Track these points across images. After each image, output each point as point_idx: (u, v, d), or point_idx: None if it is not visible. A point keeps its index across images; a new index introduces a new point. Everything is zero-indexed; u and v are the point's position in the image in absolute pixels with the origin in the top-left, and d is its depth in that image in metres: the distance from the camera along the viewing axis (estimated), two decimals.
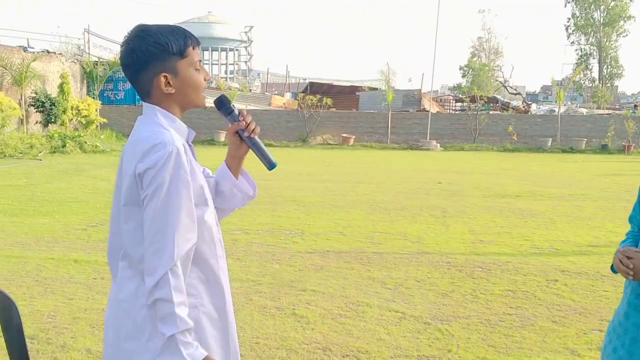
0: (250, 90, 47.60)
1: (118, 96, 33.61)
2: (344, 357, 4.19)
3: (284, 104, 40.38)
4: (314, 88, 39.86)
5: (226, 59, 73.26)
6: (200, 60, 2.07)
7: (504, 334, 4.69)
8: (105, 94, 31.71)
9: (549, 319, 5.04)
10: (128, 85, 33.88)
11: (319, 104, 30.61)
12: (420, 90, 39.25)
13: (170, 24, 2.07)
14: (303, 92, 37.42)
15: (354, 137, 30.50)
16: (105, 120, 27.26)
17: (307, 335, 4.58)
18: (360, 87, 45.87)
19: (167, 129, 1.96)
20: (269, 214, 9.63)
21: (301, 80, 57.89)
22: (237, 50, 74.40)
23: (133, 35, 2.01)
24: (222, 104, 2.21)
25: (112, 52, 33.65)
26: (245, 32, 73.54)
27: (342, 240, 8.07)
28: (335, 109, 33.36)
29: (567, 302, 5.49)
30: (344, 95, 39.69)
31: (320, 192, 12.80)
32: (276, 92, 50.82)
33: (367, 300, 5.46)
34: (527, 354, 4.27)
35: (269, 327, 4.74)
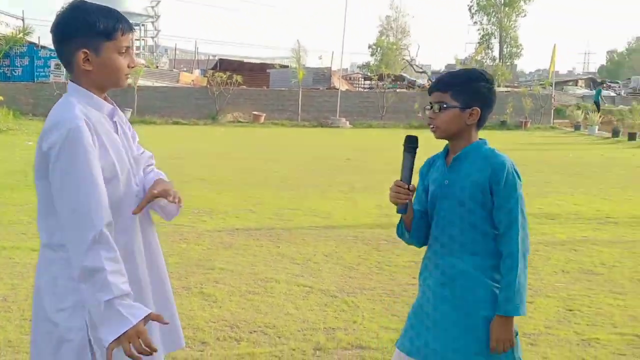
0: (158, 66, 46.26)
1: (15, 72, 31.81)
2: (251, 332, 4.21)
3: (193, 81, 39.55)
4: (224, 65, 39.25)
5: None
6: (129, 47, 2.11)
7: (407, 303, 4.85)
8: (0, 70, 29.93)
9: None
10: (26, 61, 32.14)
11: (229, 81, 30.20)
12: (331, 68, 39.49)
13: (110, 7, 2.13)
14: (213, 69, 36.78)
15: (264, 115, 30.36)
16: (1, 97, 25.77)
17: (214, 313, 4.57)
18: (271, 64, 45.60)
19: (76, 105, 2.00)
20: None
21: (211, 57, 56.82)
22: (143, 25, 71.93)
23: (67, 7, 2.08)
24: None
25: (9, 26, 31.74)
26: (152, 7, 71.22)
27: (251, 218, 8.06)
28: (245, 86, 33.05)
29: None
30: (254, 73, 39.36)
31: (230, 170, 12.69)
32: (185, 69, 49.65)
33: (276, 276, 5.50)
34: None
35: (176, 307, 4.68)
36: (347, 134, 25.53)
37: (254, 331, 4.23)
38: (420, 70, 55.41)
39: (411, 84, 41.44)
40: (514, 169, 2.33)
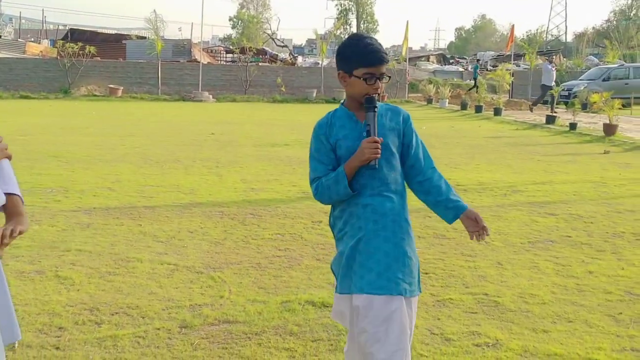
0: (1, 36, 42.62)
1: None
2: (112, 314, 4.05)
3: (41, 52, 36.88)
4: (75, 35, 36.94)
5: None
6: None
7: (273, 275, 4.91)
8: None
9: (314, 257, 5.39)
10: None
11: (81, 52, 28.51)
12: (191, 40, 38.53)
13: None
14: (63, 39, 34.47)
15: (122, 88, 29.03)
16: None
17: (72, 296, 4.34)
18: (127, 35, 43.57)
19: None
20: (26, 172, 8.82)
21: (60, 27, 53.22)
22: None
23: None
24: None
25: None
26: None
27: (110, 196, 7.72)
28: (100, 58, 31.35)
29: (330, 240, 5.88)
30: (109, 44, 37.47)
31: (85, 147, 12.04)
32: (32, 39, 46.11)
33: (138, 256, 5.32)
34: (294, 292, 4.53)
35: (28, 292, 4.40)
36: (210, 108, 25.10)
37: (116, 313, 4.08)
38: (282, 44, 55.54)
39: (273, 58, 41.46)
40: None
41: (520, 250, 5.74)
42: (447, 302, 4.42)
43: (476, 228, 2.71)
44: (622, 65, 29.29)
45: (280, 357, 3.51)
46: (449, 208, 2.73)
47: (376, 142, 2.52)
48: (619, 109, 16.14)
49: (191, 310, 4.16)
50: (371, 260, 2.57)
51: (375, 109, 2.57)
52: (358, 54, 2.58)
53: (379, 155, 2.53)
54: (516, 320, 4.11)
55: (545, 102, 25.09)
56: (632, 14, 66.53)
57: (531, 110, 23.49)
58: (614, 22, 65.22)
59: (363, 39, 2.64)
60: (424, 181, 2.72)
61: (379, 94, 2.63)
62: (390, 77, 2.68)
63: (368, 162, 2.54)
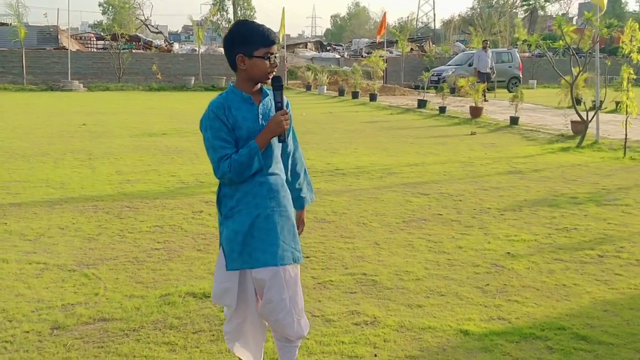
0: None
1: None
2: None
3: None
4: None
5: None
6: None
7: (152, 268, 4.79)
8: None
9: (195, 248, 5.30)
10: None
11: None
12: (58, 26, 36.38)
13: None
14: None
15: None
16: None
17: None
18: None
19: None
20: None
21: None
22: None
23: None
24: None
25: None
26: None
27: None
28: None
29: (211, 230, 5.83)
30: None
31: None
32: None
33: (4, 256, 4.99)
34: (174, 284, 4.44)
35: None
36: (81, 97, 23.89)
37: None
38: (157, 30, 53.84)
39: (148, 45, 40.09)
40: None
41: (395, 230, 5.97)
42: (327, 284, 4.52)
43: (298, 224, 3.05)
44: None
45: (160, 352, 3.43)
46: (299, 197, 3.06)
47: (285, 113, 2.76)
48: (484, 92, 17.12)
49: (63, 310, 3.96)
50: (271, 234, 2.77)
51: (282, 87, 2.80)
52: (259, 35, 2.72)
53: (288, 126, 2.78)
54: (393, 297, 4.28)
55: (417, 87, 26.14)
56: (494, 2, 70.62)
57: (485, 100, 20.58)
58: (478, 9, 68.96)
59: (254, 22, 2.81)
60: (290, 165, 3.00)
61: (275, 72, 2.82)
62: (281, 56, 2.86)
63: (279, 135, 2.76)
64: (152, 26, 56.08)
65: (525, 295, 4.29)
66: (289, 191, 2.92)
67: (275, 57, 2.76)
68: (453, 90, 22.63)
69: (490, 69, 23.00)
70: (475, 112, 16.18)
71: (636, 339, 3.60)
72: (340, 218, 6.41)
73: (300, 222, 3.10)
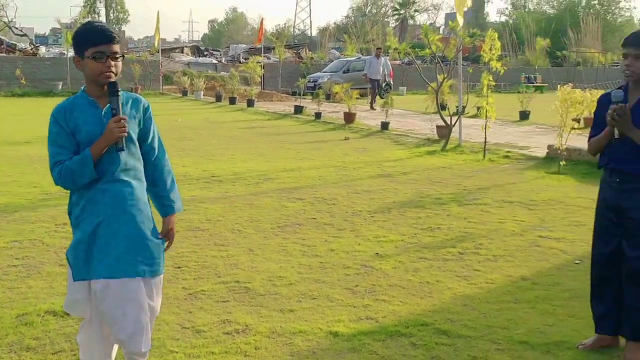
0: None
1: None
2: None
3: None
4: None
5: None
6: None
7: (8, 287, 4.48)
8: None
9: (57, 263, 5.03)
10: None
11: None
12: None
13: None
14: None
15: None
16: None
17: None
18: None
19: None
20: None
21: None
22: None
23: None
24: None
25: None
26: None
27: None
28: None
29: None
30: None
31: None
32: None
33: None
34: (32, 302, 4.18)
35: None
36: None
37: None
38: (21, 33, 50.78)
39: (11, 48, 37.64)
40: None
41: (270, 235, 5.99)
42: (199, 294, 4.45)
43: (165, 233, 2.98)
44: (360, 58, 31.97)
45: None
46: (164, 205, 2.98)
47: (122, 119, 2.64)
48: (357, 98, 17.60)
49: None
50: (111, 244, 2.68)
51: (119, 93, 2.66)
52: (86, 35, 2.66)
53: (125, 133, 2.65)
54: (265, 303, 4.29)
55: (294, 93, 26.40)
56: (367, 11, 72.96)
57: (372, 107, 20.92)
58: (352, 18, 70.95)
59: (92, 22, 2.74)
60: (154, 171, 2.91)
61: (114, 73, 2.68)
62: (123, 55, 2.78)
63: (116, 142, 2.64)
64: (17, 28, 52.76)
65: (392, 294, 4.46)
66: (142, 199, 2.81)
67: (109, 56, 2.64)
68: (329, 97, 23.09)
69: (383, 76, 22.80)
70: (349, 117, 16.61)
71: (492, 330, 3.84)
72: (214, 225, 6.35)
73: (169, 232, 2.98)
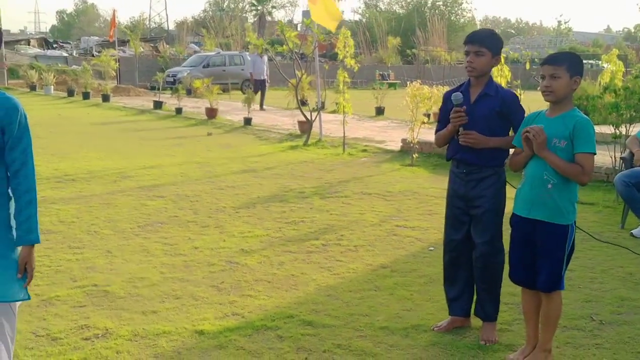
0: None
1: None
2: None
3: None
4: None
5: None
6: None
7: None
8: None
9: None
10: None
11: None
12: None
13: None
14: None
15: None
16: None
17: None
18: None
19: None
20: None
21: None
22: None
23: None
24: None
25: None
26: None
27: None
28: None
29: None
30: None
31: None
32: None
33: None
34: None
35: None
36: None
37: None
38: None
39: None
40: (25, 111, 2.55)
41: (130, 236, 5.79)
42: (53, 299, 4.21)
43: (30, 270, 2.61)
44: (219, 53, 31.66)
45: None
46: (19, 232, 2.57)
47: None
48: (219, 94, 17.45)
49: None
50: None
51: None
52: None
53: None
54: (126, 306, 4.14)
55: (152, 88, 25.63)
56: (225, 6, 72.30)
57: (262, 109, 19.62)
58: (210, 12, 70.03)
59: None
60: (14, 189, 2.57)
61: None
62: None
63: None
64: None
65: (258, 289, 4.48)
66: (6, 222, 2.54)
67: None
68: (189, 92, 22.66)
69: (267, 75, 20.67)
70: (211, 113, 16.42)
71: (354, 319, 3.98)
72: (68, 227, 6.02)
73: (25, 265, 2.56)
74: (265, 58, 20.39)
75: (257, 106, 18.92)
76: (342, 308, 4.15)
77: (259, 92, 20.19)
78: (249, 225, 6.19)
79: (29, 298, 2.63)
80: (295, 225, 6.25)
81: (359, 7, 73.76)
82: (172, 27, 71.92)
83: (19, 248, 2.57)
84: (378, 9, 60.45)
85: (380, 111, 18.36)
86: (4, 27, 31.18)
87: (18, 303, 2.63)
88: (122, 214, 6.57)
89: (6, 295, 2.53)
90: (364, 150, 11.29)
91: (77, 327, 3.79)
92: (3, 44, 30.55)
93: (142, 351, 3.51)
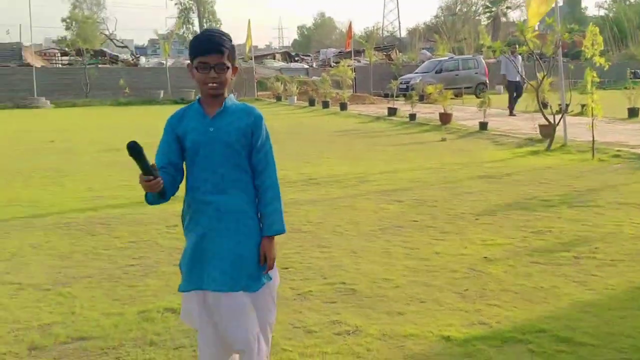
0: None
1: None
2: None
3: None
4: None
5: None
6: None
7: (128, 285, 4.71)
8: None
9: (171, 263, 5.21)
10: None
11: None
12: (21, 43, 35.84)
13: None
14: None
15: None
16: None
17: None
18: None
19: None
20: None
21: None
22: None
23: None
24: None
25: None
26: None
27: None
28: None
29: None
30: None
31: None
32: None
33: None
34: (152, 300, 4.36)
35: None
36: (48, 114, 23.55)
37: None
38: (122, 45, 53.44)
39: (114, 59, 39.72)
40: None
41: (372, 238, 5.97)
42: (307, 294, 4.49)
43: (262, 255, 2.76)
44: (452, 57, 31.44)
45: None
46: (263, 225, 2.77)
47: (150, 181, 2.42)
48: (452, 98, 17.31)
49: (40, 330, 3.87)
50: (216, 257, 2.66)
51: (141, 152, 2.35)
52: (193, 45, 2.69)
53: (154, 190, 2.46)
54: (373, 305, 4.27)
55: (386, 95, 26.29)
56: (457, 10, 71.62)
57: (511, 114, 18.78)
58: (442, 17, 69.87)
59: (205, 31, 2.75)
60: (258, 187, 2.79)
61: (219, 84, 2.66)
62: (229, 67, 2.67)
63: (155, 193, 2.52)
64: (117, 40, 55.63)
65: (505, 299, 4.32)
66: (248, 213, 2.73)
67: (213, 67, 2.61)
68: (422, 98, 22.84)
69: (521, 77, 17.61)
70: (445, 118, 16.34)
71: (617, 339, 3.64)
72: (316, 227, 6.40)
73: (266, 255, 2.75)
74: (519, 58, 18.28)
75: (492, 110, 18.26)
76: (601, 327, 3.82)
77: (510, 95, 19.02)
78: (489, 233, 6.02)
79: (270, 280, 2.83)
80: (542, 235, 5.92)
81: (605, 2, 67.99)
82: (404, 34, 73.18)
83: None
84: (627, 2, 55.15)
85: (633, 112, 16.71)
86: (252, 44, 34.31)
87: (275, 293, 2.90)
88: (363, 216, 6.81)
89: (270, 280, 2.81)
90: (616, 156, 10.34)
91: (329, 321, 4.00)
92: (253, 59, 33.72)
93: (392, 351, 3.57)
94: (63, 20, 65.32)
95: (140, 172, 2.42)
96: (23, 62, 33.27)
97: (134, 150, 2.34)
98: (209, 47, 2.62)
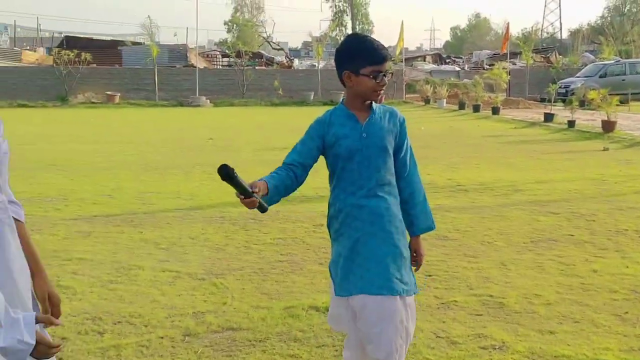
0: None
1: None
2: (115, 324, 4.02)
3: (37, 60, 36.87)
4: (71, 43, 36.87)
5: None
6: None
7: (276, 280, 4.88)
8: None
9: (316, 261, 5.35)
10: None
11: (77, 59, 28.46)
12: (187, 45, 38.47)
13: None
14: (59, 47, 34.45)
15: (119, 94, 29.05)
16: None
17: (74, 306, 4.31)
18: (122, 41, 43.57)
19: None
20: (25, 182, 8.80)
21: (56, 35, 53.24)
22: None
23: None
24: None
25: None
26: None
27: (110, 204, 7.69)
28: (96, 65, 31.34)
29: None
30: (105, 50, 37.41)
31: (84, 155, 12.01)
32: (27, 47, 46.13)
33: (140, 263, 5.29)
34: (297, 297, 4.49)
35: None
36: (208, 113, 25.08)
37: (119, 322, 4.05)
38: (278, 47, 55.58)
39: (269, 61, 41.46)
40: None
41: (523, 250, 5.71)
42: (451, 304, 4.39)
43: (414, 255, 2.86)
44: (619, 61, 29.29)
45: None
46: (412, 224, 2.84)
47: (249, 201, 2.40)
48: (617, 105, 16.12)
49: (194, 317, 4.12)
50: (369, 261, 2.65)
51: (232, 175, 2.31)
52: (366, 53, 2.64)
53: (249, 208, 2.42)
54: (522, 321, 4.08)
55: (542, 100, 25.05)
56: (625, 10, 66.61)
57: None
58: (608, 18, 65.30)
59: (365, 37, 2.72)
60: (405, 187, 2.81)
61: (382, 91, 2.70)
62: (392, 73, 2.71)
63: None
64: (274, 43, 57.95)
65: None
66: (397, 216, 2.74)
67: (384, 75, 2.64)
68: (583, 103, 21.51)
69: None
70: (608, 126, 15.25)
71: None
72: (463, 236, 6.24)
73: (417, 252, 2.86)
74: None
75: None
76: None
77: None
78: None
79: (418, 291, 2.81)
80: None
81: None
82: (565, 36, 69.35)
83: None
84: None
85: None
86: (403, 45, 34.21)
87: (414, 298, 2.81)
88: (514, 227, 6.54)
89: (417, 288, 2.77)
90: None
91: (474, 334, 3.87)
92: (404, 61, 33.62)
93: None
94: (225, 23, 69.26)
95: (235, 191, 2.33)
96: (188, 63, 35.70)
97: (224, 174, 2.26)
98: (384, 55, 2.64)
